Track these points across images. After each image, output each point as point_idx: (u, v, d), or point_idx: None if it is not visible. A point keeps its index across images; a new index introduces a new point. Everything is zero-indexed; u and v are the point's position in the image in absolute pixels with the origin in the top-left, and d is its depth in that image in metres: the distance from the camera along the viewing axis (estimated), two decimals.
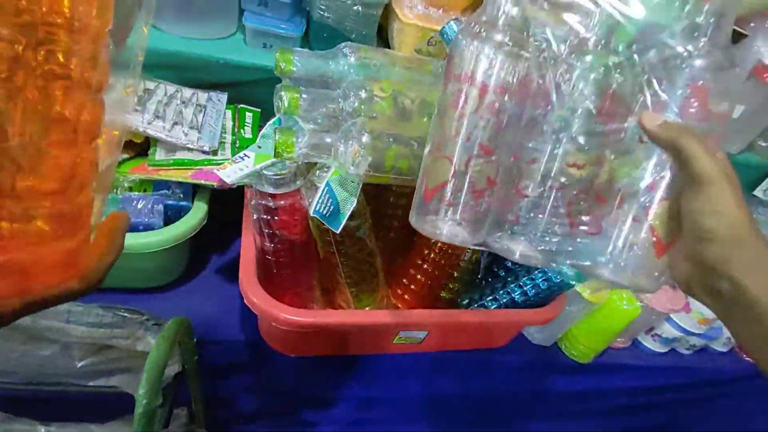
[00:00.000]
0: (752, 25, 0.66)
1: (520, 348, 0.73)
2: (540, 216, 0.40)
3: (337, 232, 0.49)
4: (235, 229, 0.69)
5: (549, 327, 0.71)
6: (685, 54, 0.35)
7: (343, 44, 0.56)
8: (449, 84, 0.39)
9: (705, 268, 0.31)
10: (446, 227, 0.39)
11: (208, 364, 0.61)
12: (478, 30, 0.38)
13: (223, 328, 0.61)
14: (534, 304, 0.62)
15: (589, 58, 0.39)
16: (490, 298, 0.63)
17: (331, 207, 0.49)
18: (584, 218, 0.38)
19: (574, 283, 0.62)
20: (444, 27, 0.60)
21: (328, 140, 0.51)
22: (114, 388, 0.58)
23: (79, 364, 0.56)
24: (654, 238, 0.34)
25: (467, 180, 0.39)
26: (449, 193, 0.39)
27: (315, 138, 0.50)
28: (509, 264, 0.63)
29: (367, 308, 0.59)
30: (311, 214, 0.48)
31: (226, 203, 0.62)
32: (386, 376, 0.66)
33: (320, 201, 0.48)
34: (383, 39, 0.72)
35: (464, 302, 0.65)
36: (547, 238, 0.39)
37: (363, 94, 0.52)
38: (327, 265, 0.58)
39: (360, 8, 0.62)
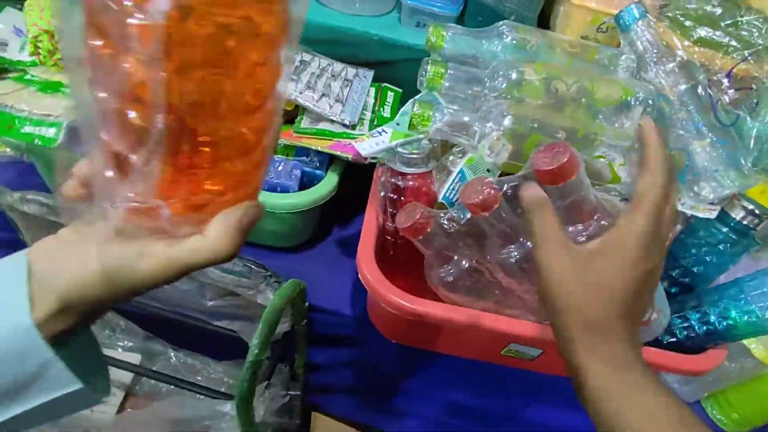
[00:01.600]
0: None
1: None
2: None
3: (462, 222, 0.46)
4: (360, 206, 0.71)
5: (697, 381, 0.59)
6: None
7: (500, 22, 0.52)
8: None
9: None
10: None
11: (315, 330, 0.63)
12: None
13: (334, 299, 0.62)
14: (683, 348, 0.51)
15: None
16: None
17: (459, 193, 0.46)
18: None
19: (742, 333, 0.50)
20: (622, 11, 0.52)
21: (466, 119, 0.47)
22: (232, 332, 0.64)
23: (209, 303, 0.62)
24: None
25: None
26: None
27: (455, 117, 0.47)
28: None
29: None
30: (439, 200, 0.46)
31: (356, 178, 0.63)
32: (486, 386, 0.61)
33: (450, 187, 0.46)
34: (544, 25, 0.66)
35: None
36: None
37: (513, 75, 0.47)
38: None
39: None
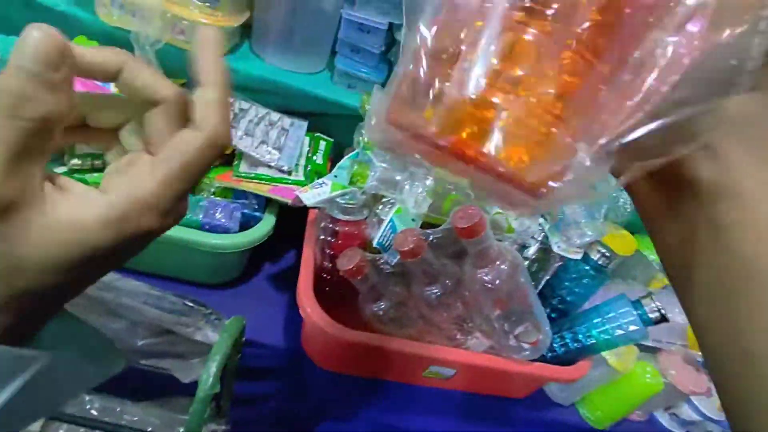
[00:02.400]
0: None
1: (540, 403, 0.75)
2: None
3: (393, 265, 0.54)
4: (291, 243, 0.76)
5: (571, 387, 0.73)
6: None
7: None
8: None
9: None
10: None
11: (244, 364, 0.65)
12: None
13: (266, 332, 0.66)
14: (562, 361, 0.64)
15: None
16: None
17: (393, 240, 0.54)
18: None
19: (601, 347, 0.64)
20: None
21: (398, 178, 0.56)
22: (163, 371, 0.64)
23: (140, 343, 0.62)
24: None
25: None
26: None
27: (386, 174, 0.56)
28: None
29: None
30: (374, 245, 0.54)
31: (288, 219, 0.69)
32: (410, 407, 0.69)
33: (383, 235, 0.54)
34: None
35: None
36: None
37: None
38: None
39: None
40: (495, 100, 0.17)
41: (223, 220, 0.59)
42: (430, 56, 0.18)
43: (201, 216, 0.59)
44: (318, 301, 0.57)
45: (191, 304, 0.57)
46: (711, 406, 0.76)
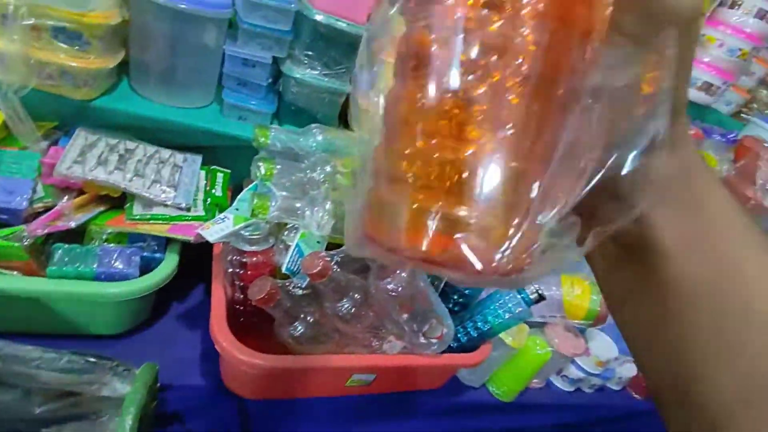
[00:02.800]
0: None
1: (455, 389, 0.83)
2: None
3: (303, 287, 0.57)
4: (198, 278, 0.75)
5: (478, 370, 0.82)
6: None
7: (313, 125, 0.67)
8: None
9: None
10: None
11: (163, 410, 0.64)
12: None
13: (183, 373, 0.65)
14: (467, 349, 0.72)
15: None
16: None
17: (300, 264, 0.57)
18: None
19: (496, 330, 0.73)
20: None
21: (298, 205, 0.60)
22: None
23: (38, 411, 0.57)
24: None
25: None
26: None
27: (286, 203, 0.59)
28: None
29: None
30: (283, 271, 0.56)
31: (193, 255, 0.68)
32: (339, 418, 0.72)
33: (291, 260, 0.57)
34: (344, 118, 0.84)
35: None
36: None
37: (328, 168, 0.62)
38: None
39: (326, 95, 0.74)
40: (462, 213, 0.18)
41: (121, 267, 0.57)
42: (385, 176, 0.20)
43: (95, 266, 0.56)
44: (233, 332, 0.57)
45: (94, 360, 0.55)
46: (591, 363, 0.90)
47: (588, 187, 0.19)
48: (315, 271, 0.51)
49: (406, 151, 0.19)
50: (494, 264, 0.18)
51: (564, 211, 0.18)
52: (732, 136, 1.09)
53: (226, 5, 0.65)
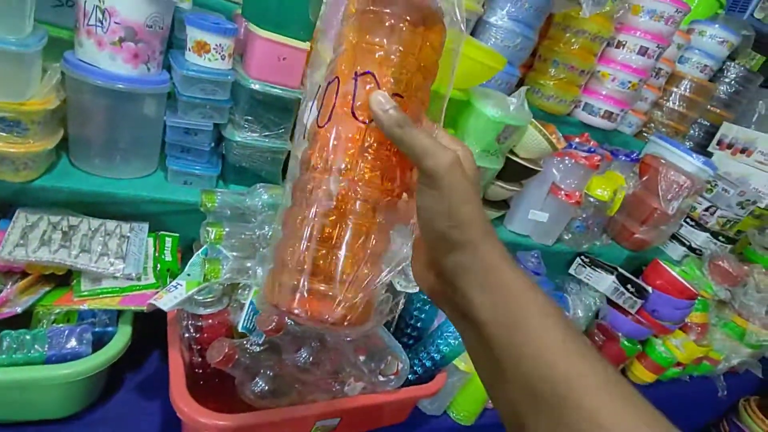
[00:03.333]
0: (542, 162, 0.97)
1: (419, 420, 0.86)
2: None
3: (261, 343, 0.60)
4: (154, 344, 0.74)
5: (437, 398, 0.86)
6: None
7: (258, 185, 0.71)
8: None
9: (439, 276, 0.32)
10: None
11: None
12: None
13: None
14: (424, 380, 0.76)
15: None
16: None
17: (255, 323, 0.60)
18: None
19: (449, 358, 0.78)
20: None
21: (249, 264, 0.63)
22: None
23: None
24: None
25: None
26: None
27: (237, 263, 0.62)
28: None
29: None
30: (240, 330, 0.58)
31: (146, 323, 0.68)
32: None
33: (246, 318, 0.59)
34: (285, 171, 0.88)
35: None
36: None
37: (276, 226, 0.66)
38: None
39: (268, 154, 0.78)
40: (322, 288, 0.31)
41: (73, 346, 0.57)
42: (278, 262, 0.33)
43: (46, 349, 0.56)
44: (194, 397, 0.58)
45: None
46: None
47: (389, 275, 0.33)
48: (271, 327, 0.54)
49: (290, 249, 0.32)
50: (337, 316, 0.30)
51: (374, 289, 0.32)
52: (635, 155, 1.25)
53: (164, 81, 0.69)
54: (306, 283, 0.30)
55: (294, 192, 0.34)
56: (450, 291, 0.31)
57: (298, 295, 0.30)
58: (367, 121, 0.31)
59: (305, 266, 0.31)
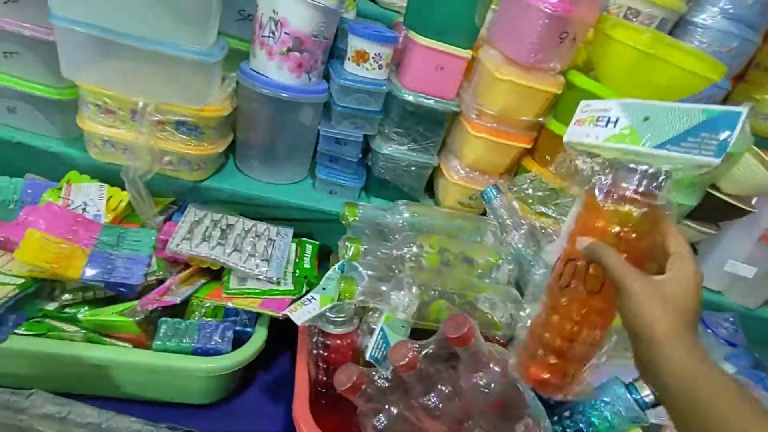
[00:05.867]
0: (755, 200, 0.75)
1: None
2: None
3: (390, 378, 0.54)
4: (285, 348, 0.75)
5: None
6: None
7: (400, 202, 0.67)
8: None
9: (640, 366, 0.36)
10: None
11: None
12: None
13: None
14: None
15: None
16: None
17: (385, 351, 0.55)
18: None
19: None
20: (484, 190, 0.70)
21: (384, 288, 0.58)
22: None
23: None
24: None
25: None
26: None
27: (371, 285, 0.58)
28: None
29: None
30: (367, 359, 0.54)
31: (280, 328, 0.69)
32: None
33: (375, 346, 0.55)
34: (431, 190, 0.83)
35: None
36: None
37: (414, 249, 0.61)
38: None
39: (414, 169, 0.74)
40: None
41: (216, 343, 0.60)
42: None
43: (195, 341, 0.59)
44: (316, 413, 0.56)
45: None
46: None
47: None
48: (402, 363, 0.49)
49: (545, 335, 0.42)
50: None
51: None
52: None
53: (322, 91, 0.69)
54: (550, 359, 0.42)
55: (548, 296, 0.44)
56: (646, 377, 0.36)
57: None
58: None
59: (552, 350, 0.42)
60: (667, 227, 0.39)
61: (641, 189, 0.37)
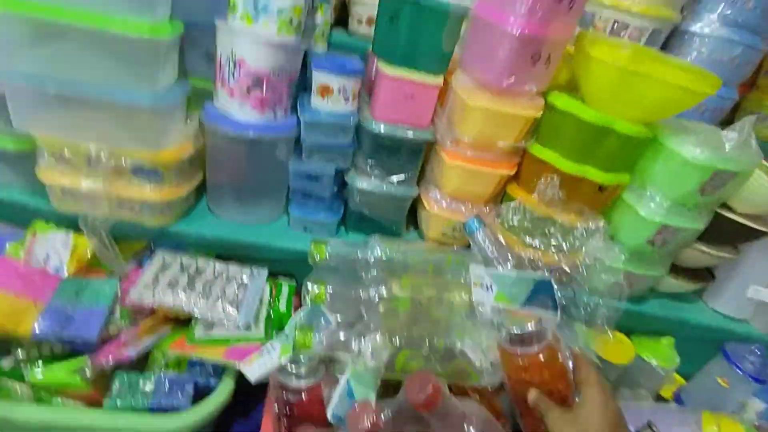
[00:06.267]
0: None
1: None
2: None
3: None
4: (259, 403, 0.70)
5: None
6: None
7: (374, 236, 0.62)
8: None
9: None
10: None
11: None
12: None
13: None
14: None
15: None
16: None
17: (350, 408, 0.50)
18: None
19: None
20: (467, 221, 0.65)
21: (345, 337, 0.53)
22: None
23: None
24: None
25: None
26: None
27: (336, 332, 0.53)
28: None
29: None
30: (329, 418, 0.49)
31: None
32: None
33: (339, 403, 0.49)
34: (413, 219, 0.78)
35: None
36: None
37: (383, 291, 0.56)
38: None
39: (392, 201, 0.70)
40: None
41: (174, 398, 0.56)
42: None
43: (150, 397, 0.55)
44: None
45: None
46: None
47: None
48: (362, 428, 0.43)
49: None
50: None
51: None
52: None
53: (290, 126, 0.66)
54: None
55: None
56: None
57: None
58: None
59: None
60: (573, 355, 0.46)
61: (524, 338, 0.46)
